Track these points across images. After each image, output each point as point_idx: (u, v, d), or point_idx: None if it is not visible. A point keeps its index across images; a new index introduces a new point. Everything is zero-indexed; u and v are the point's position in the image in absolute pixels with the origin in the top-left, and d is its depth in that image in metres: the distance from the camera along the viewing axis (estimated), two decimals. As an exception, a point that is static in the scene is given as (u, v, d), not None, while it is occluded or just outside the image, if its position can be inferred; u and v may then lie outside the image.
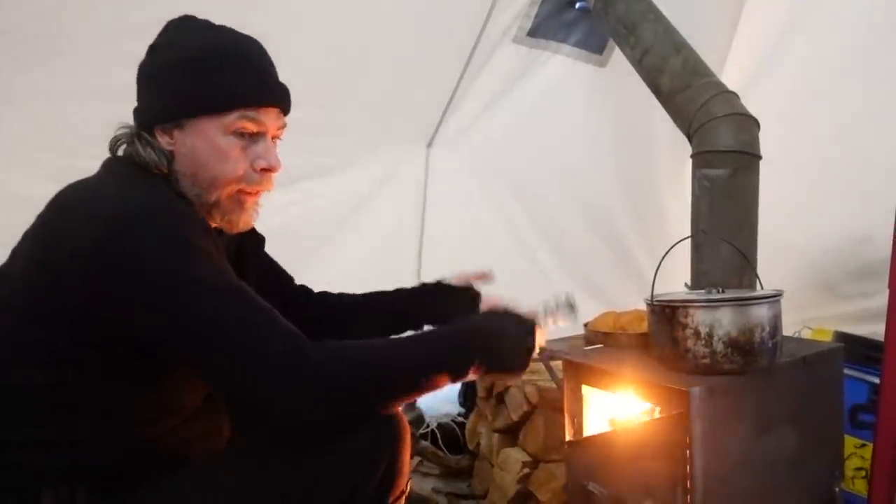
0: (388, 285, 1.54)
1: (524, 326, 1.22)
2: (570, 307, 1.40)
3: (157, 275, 0.95)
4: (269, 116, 1.13)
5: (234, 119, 1.09)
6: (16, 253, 1.06)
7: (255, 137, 1.12)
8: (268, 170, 1.14)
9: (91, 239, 0.95)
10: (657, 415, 1.40)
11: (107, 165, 1.13)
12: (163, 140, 1.10)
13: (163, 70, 1.10)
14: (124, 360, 1.01)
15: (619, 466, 1.35)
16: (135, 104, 1.15)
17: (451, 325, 1.18)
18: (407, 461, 1.18)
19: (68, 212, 1.02)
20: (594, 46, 2.53)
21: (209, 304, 0.97)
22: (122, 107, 1.14)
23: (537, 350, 1.25)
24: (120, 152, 1.14)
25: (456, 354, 1.12)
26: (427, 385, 1.09)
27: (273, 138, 1.16)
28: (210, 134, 1.09)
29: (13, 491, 0.97)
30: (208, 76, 1.08)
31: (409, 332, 1.45)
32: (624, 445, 1.38)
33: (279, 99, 1.15)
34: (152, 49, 1.14)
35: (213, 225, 1.15)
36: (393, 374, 1.08)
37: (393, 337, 1.22)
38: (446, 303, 1.52)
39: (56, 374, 0.99)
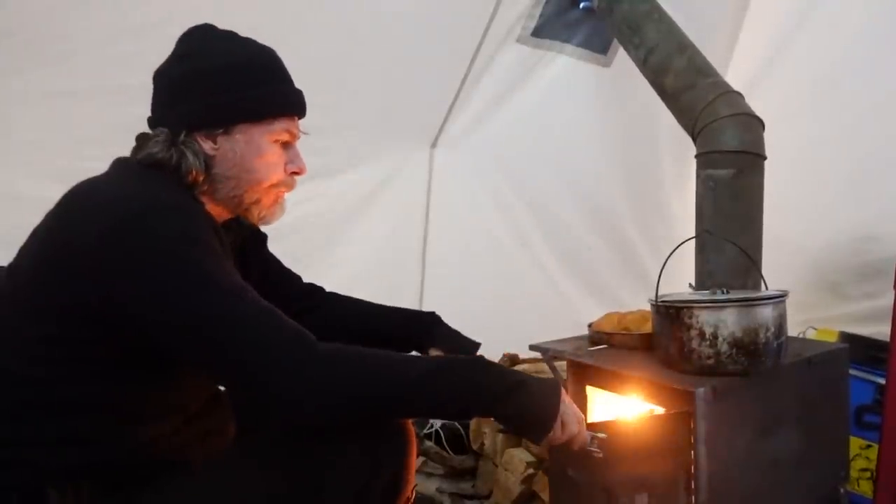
0: (392, 286, 1.55)
1: (551, 390, 1.12)
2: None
3: (166, 268, 0.96)
4: (296, 123, 1.21)
5: (278, 127, 1.16)
6: (24, 250, 1.07)
7: (287, 143, 1.19)
8: (297, 172, 1.21)
9: (100, 233, 0.96)
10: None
11: (116, 165, 1.13)
12: (206, 146, 1.12)
13: (210, 76, 1.11)
14: (129, 356, 1.01)
15: (610, 458, 1.34)
16: (136, 106, 1.15)
17: (478, 361, 1.13)
18: (413, 469, 1.18)
19: (78, 208, 1.03)
20: (598, 46, 2.53)
21: (217, 300, 0.98)
22: (122, 108, 1.15)
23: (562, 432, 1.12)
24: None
25: (473, 393, 1.08)
26: (433, 409, 1.10)
27: (298, 139, 1.23)
28: (258, 140, 1.14)
29: (18, 488, 0.98)
30: (259, 85, 1.13)
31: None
32: (616, 438, 1.36)
33: (305, 107, 1.22)
34: (184, 56, 1.14)
35: (246, 220, 1.22)
36: (399, 388, 1.04)
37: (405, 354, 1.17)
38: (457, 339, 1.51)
39: (60, 371, 1.00)
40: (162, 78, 1.14)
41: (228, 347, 0.97)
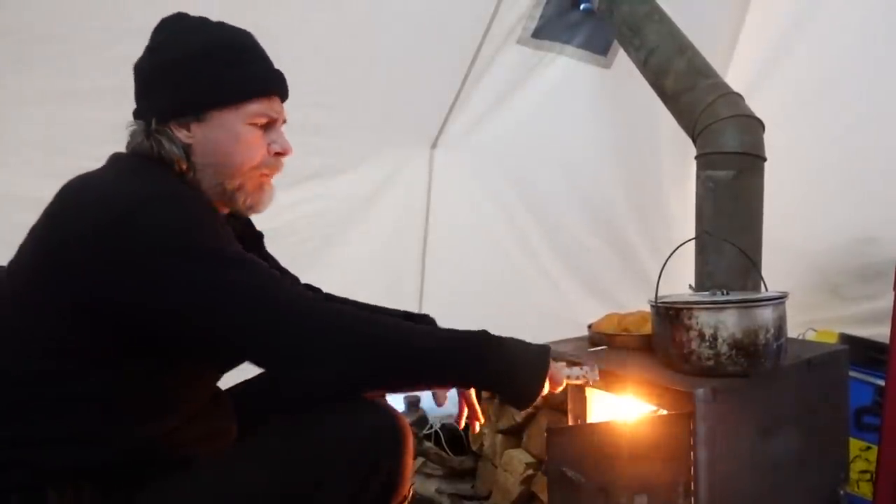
0: (391, 287, 1.54)
1: (540, 357, 1.18)
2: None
3: (170, 249, 0.97)
4: (277, 103, 1.19)
5: (253, 109, 1.14)
6: (23, 249, 1.07)
7: (268, 124, 1.18)
8: (281, 153, 1.20)
9: (99, 223, 0.97)
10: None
11: (113, 159, 1.14)
12: (180, 134, 1.12)
13: (177, 66, 1.11)
14: (127, 355, 1.01)
15: (608, 459, 1.34)
16: (132, 105, 1.16)
17: (482, 337, 1.15)
18: (409, 466, 1.17)
19: (74, 204, 1.03)
20: (598, 48, 2.53)
21: (227, 272, 1.00)
22: (122, 108, 1.15)
23: (546, 390, 1.21)
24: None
25: (471, 358, 1.12)
26: (432, 373, 1.12)
27: (283, 123, 1.22)
28: (232, 125, 1.13)
29: (17, 489, 0.97)
30: (227, 69, 1.12)
31: None
32: (614, 439, 1.37)
33: (284, 87, 1.21)
34: (155, 48, 1.15)
35: (234, 209, 1.20)
36: (407, 348, 1.08)
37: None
38: None
39: (59, 368, 1.00)
40: (137, 71, 1.15)
41: (242, 320, 0.99)
